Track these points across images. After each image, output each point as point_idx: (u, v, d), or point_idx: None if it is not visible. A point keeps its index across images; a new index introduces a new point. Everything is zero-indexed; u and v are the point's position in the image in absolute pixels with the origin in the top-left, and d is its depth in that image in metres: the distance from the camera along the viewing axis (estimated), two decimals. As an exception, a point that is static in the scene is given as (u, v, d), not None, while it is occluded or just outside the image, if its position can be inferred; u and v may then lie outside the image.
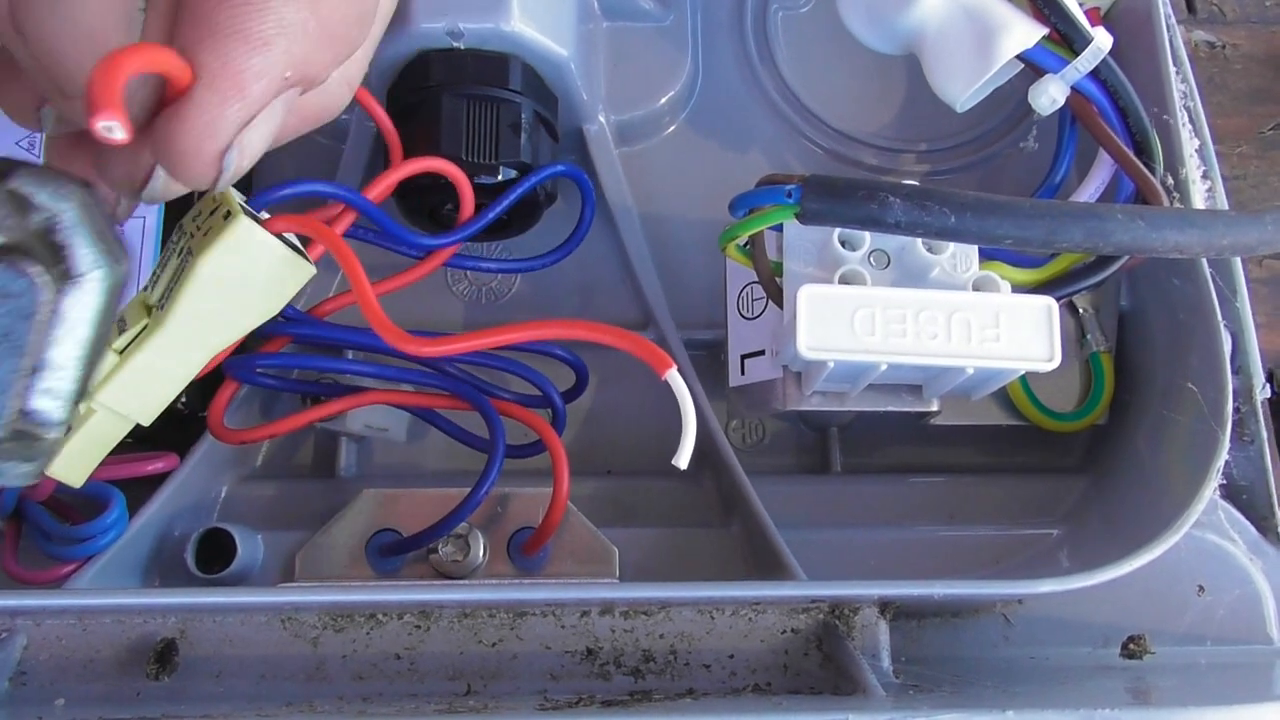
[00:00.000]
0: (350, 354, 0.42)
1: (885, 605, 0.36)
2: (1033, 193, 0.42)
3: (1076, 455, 0.45)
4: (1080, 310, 0.43)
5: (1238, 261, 0.40)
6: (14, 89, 0.28)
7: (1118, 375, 0.43)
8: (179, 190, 0.27)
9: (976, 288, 0.37)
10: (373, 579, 0.38)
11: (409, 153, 0.41)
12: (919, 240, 0.37)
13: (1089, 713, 0.30)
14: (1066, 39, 0.39)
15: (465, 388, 0.39)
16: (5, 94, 0.28)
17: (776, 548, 0.39)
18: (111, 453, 0.32)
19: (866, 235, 0.38)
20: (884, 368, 0.36)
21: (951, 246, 0.37)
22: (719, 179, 0.46)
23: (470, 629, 0.35)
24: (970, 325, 0.35)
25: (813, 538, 0.41)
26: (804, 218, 0.35)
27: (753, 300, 0.41)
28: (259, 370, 0.38)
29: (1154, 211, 0.35)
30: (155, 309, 0.31)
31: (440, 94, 0.41)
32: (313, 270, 0.32)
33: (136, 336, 0.31)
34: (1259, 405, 0.41)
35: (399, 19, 0.40)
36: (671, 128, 0.49)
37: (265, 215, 0.32)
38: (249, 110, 0.25)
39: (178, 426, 0.39)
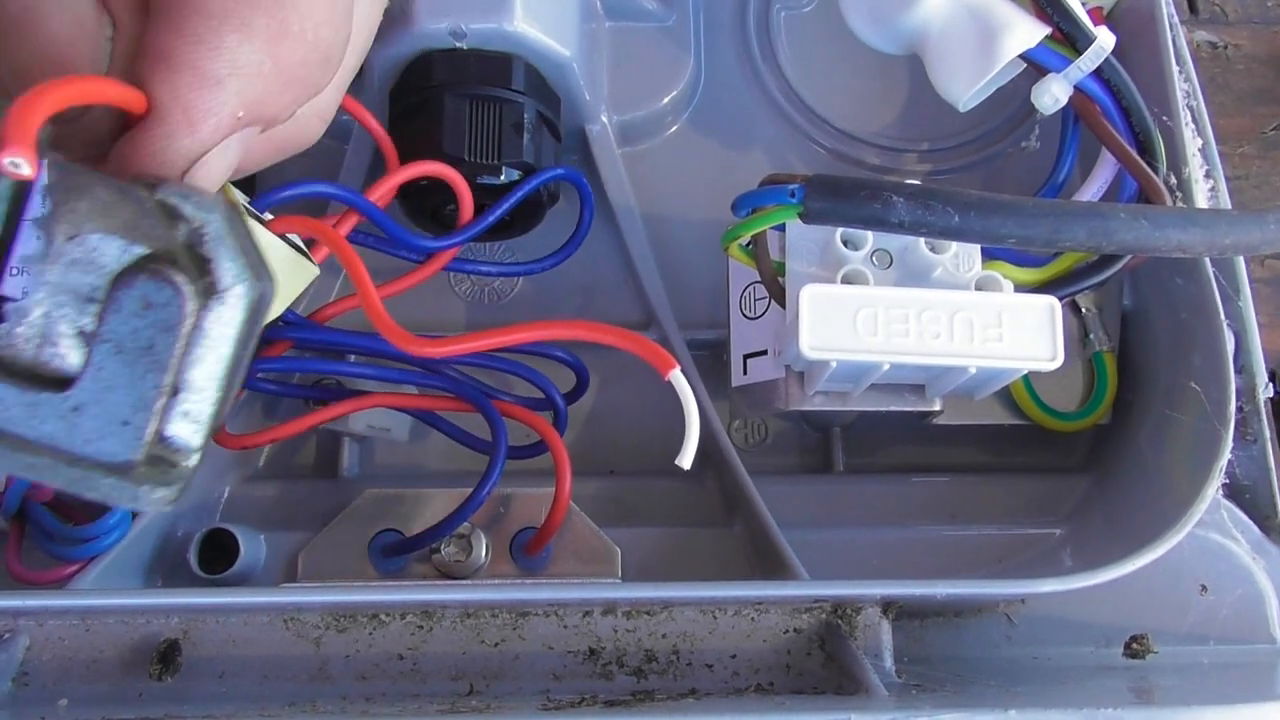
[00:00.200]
0: (352, 357, 0.42)
1: (888, 605, 0.36)
2: (1035, 192, 0.42)
3: (1079, 455, 0.45)
4: (1083, 310, 0.43)
5: (1240, 261, 0.40)
6: None
7: (1121, 375, 0.43)
8: None
9: (979, 287, 0.37)
10: (375, 579, 0.38)
11: (412, 153, 0.41)
12: (922, 240, 0.37)
13: (1092, 712, 0.30)
14: (1069, 38, 0.39)
15: (467, 389, 0.39)
16: None
17: (779, 547, 0.39)
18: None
19: (869, 235, 0.37)
20: (886, 367, 0.35)
21: (954, 246, 0.37)
22: (721, 179, 0.46)
23: (473, 629, 0.35)
24: (973, 325, 0.35)
25: (815, 537, 0.41)
26: (807, 217, 0.35)
27: (755, 300, 0.41)
28: (260, 375, 0.38)
29: (1157, 211, 0.35)
30: None
31: (443, 94, 0.41)
32: (317, 271, 0.32)
33: None
34: (1262, 404, 0.41)
35: (401, 19, 0.40)
36: (674, 128, 0.49)
37: (269, 216, 0.32)
38: (198, 146, 0.25)
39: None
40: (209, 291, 0.24)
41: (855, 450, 0.45)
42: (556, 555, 0.39)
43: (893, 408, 0.39)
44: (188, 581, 0.39)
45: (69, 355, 0.23)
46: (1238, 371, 0.39)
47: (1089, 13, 0.39)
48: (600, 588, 0.37)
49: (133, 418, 0.23)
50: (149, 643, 0.35)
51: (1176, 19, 0.43)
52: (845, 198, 0.34)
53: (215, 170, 0.26)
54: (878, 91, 0.49)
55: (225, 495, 0.42)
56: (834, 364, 0.35)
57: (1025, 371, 0.37)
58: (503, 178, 0.41)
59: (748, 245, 0.39)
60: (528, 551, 0.38)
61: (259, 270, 0.24)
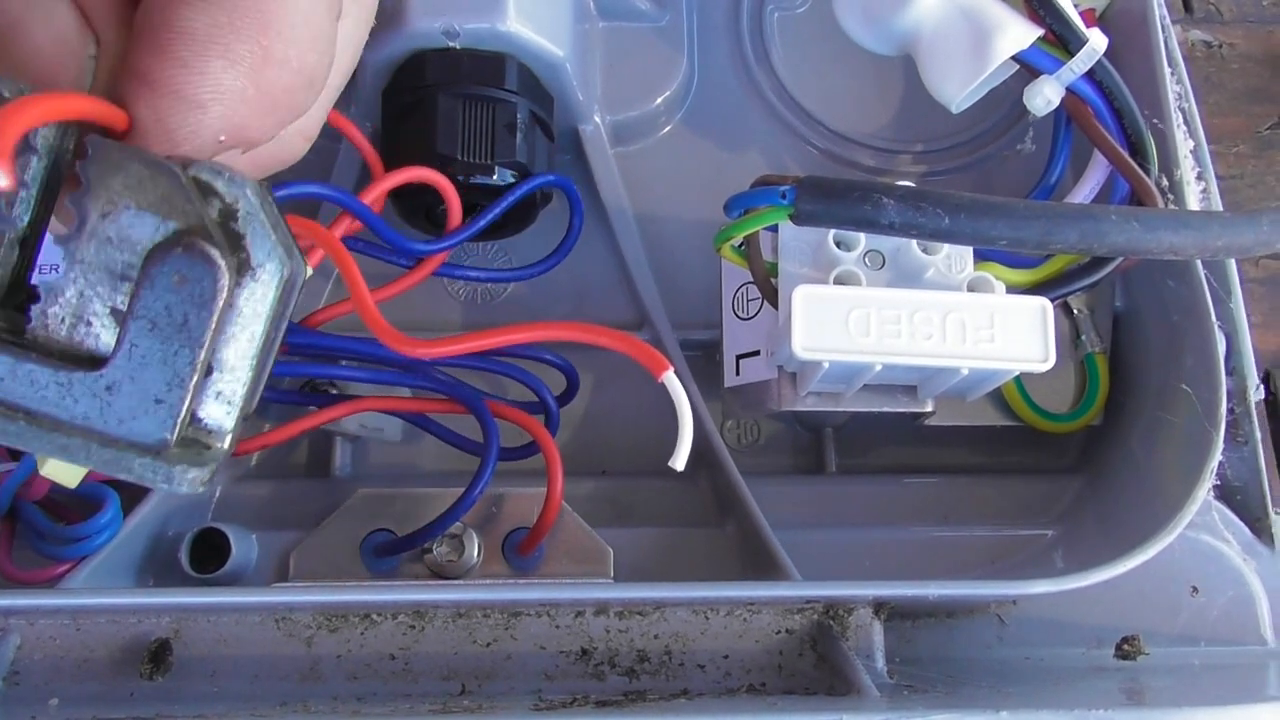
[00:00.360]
0: (344, 361, 0.42)
1: (880, 606, 0.36)
2: (1028, 194, 0.42)
3: (1071, 456, 0.45)
4: (1075, 311, 0.43)
5: (1232, 262, 0.40)
6: None
7: (1112, 376, 0.43)
8: None
9: (971, 288, 0.37)
10: (367, 579, 0.38)
11: (405, 153, 0.41)
12: (914, 241, 0.37)
13: (1083, 713, 0.30)
14: (1062, 40, 0.39)
15: (459, 390, 0.39)
16: None
17: (771, 548, 0.39)
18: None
19: (861, 236, 0.38)
20: (879, 368, 0.36)
21: (946, 247, 0.37)
22: (714, 179, 0.46)
23: (465, 629, 0.35)
24: (965, 326, 0.35)
25: (808, 538, 0.41)
26: (799, 219, 0.35)
27: (748, 301, 0.41)
28: None
29: (1149, 213, 0.35)
30: None
31: (436, 94, 0.41)
32: (309, 272, 0.32)
33: None
34: (1253, 406, 0.41)
35: (394, 19, 0.40)
36: (667, 128, 0.49)
37: None
38: None
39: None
40: (242, 269, 0.24)
41: (847, 451, 0.45)
42: (549, 555, 0.39)
43: (885, 409, 0.39)
44: (179, 581, 0.39)
45: (102, 334, 0.23)
46: (1229, 373, 0.39)
47: (1081, 15, 0.39)
48: (593, 588, 0.37)
49: (167, 395, 0.23)
50: (140, 642, 0.35)
51: (1169, 21, 0.43)
52: (836, 199, 0.34)
53: None
54: (871, 93, 0.49)
55: (217, 494, 0.42)
56: (826, 365, 0.35)
57: (1017, 373, 0.38)
58: (496, 178, 0.41)
59: (740, 246, 0.39)
60: (520, 551, 0.38)
61: (291, 249, 0.24)
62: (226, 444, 0.25)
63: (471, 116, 0.41)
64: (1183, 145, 0.41)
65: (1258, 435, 0.41)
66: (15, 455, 0.39)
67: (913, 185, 0.36)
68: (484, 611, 0.35)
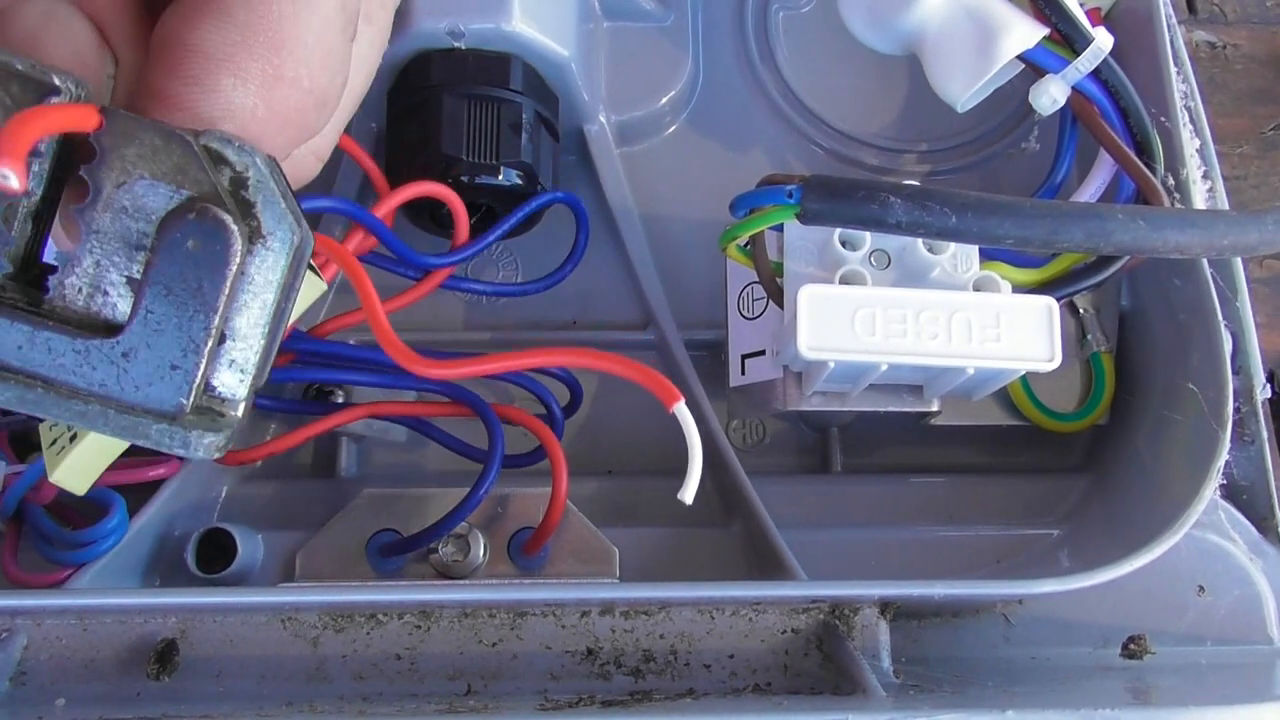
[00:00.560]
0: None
1: (885, 605, 0.36)
2: (1033, 193, 0.42)
3: (1077, 455, 0.45)
4: (1081, 310, 0.43)
5: (1238, 261, 0.40)
6: None
7: (1118, 375, 0.43)
8: None
9: (977, 288, 0.37)
10: (373, 579, 0.38)
11: (410, 154, 0.41)
12: (920, 240, 0.37)
13: (1089, 713, 0.30)
14: (1067, 39, 0.39)
15: (464, 393, 0.39)
16: None
17: (777, 548, 0.39)
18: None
19: (867, 235, 0.38)
20: (884, 368, 0.36)
21: (952, 247, 0.37)
22: (720, 179, 0.46)
23: (470, 629, 0.35)
24: (971, 325, 0.35)
25: (813, 538, 0.41)
26: (804, 218, 0.35)
27: (753, 300, 0.41)
28: None
29: (1155, 212, 0.35)
30: None
31: (441, 94, 0.41)
32: (324, 287, 0.33)
33: None
34: (1259, 405, 0.41)
35: (400, 19, 0.40)
36: (672, 128, 0.49)
37: None
38: None
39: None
40: (253, 236, 0.24)
41: (853, 450, 0.45)
42: (554, 555, 0.39)
43: (891, 408, 0.39)
44: (185, 581, 0.39)
45: (119, 303, 0.23)
46: (1235, 372, 0.39)
47: (1087, 14, 0.39)
48: (598, 588, 0.37)
49: (182, 361, 0.23)
50: (146, 642, 0.35)
51: (1175, 20, 0.43)
52: (842, 198, 0.34)
53: None
54: (876, 92, 0.49)
55: (223, 495, 0.42)
56: (832, 364, 0.35)
57: (1023, 372, 0.37)
58: (501, 178, 0.41)
59: (746, 245, 0.39)
60: (525, 551, 0.38)
61: (300, 218, 0.24)
62: (240, 412, 0.25)
63: (476, 117, 0.41)
64: (1188, 144, 0.41)
65: (1264, 434, 0.41)
66: (23, 458, 0.39)
67: (918, 184, 0.36)
68: (490, 611, 0.35)
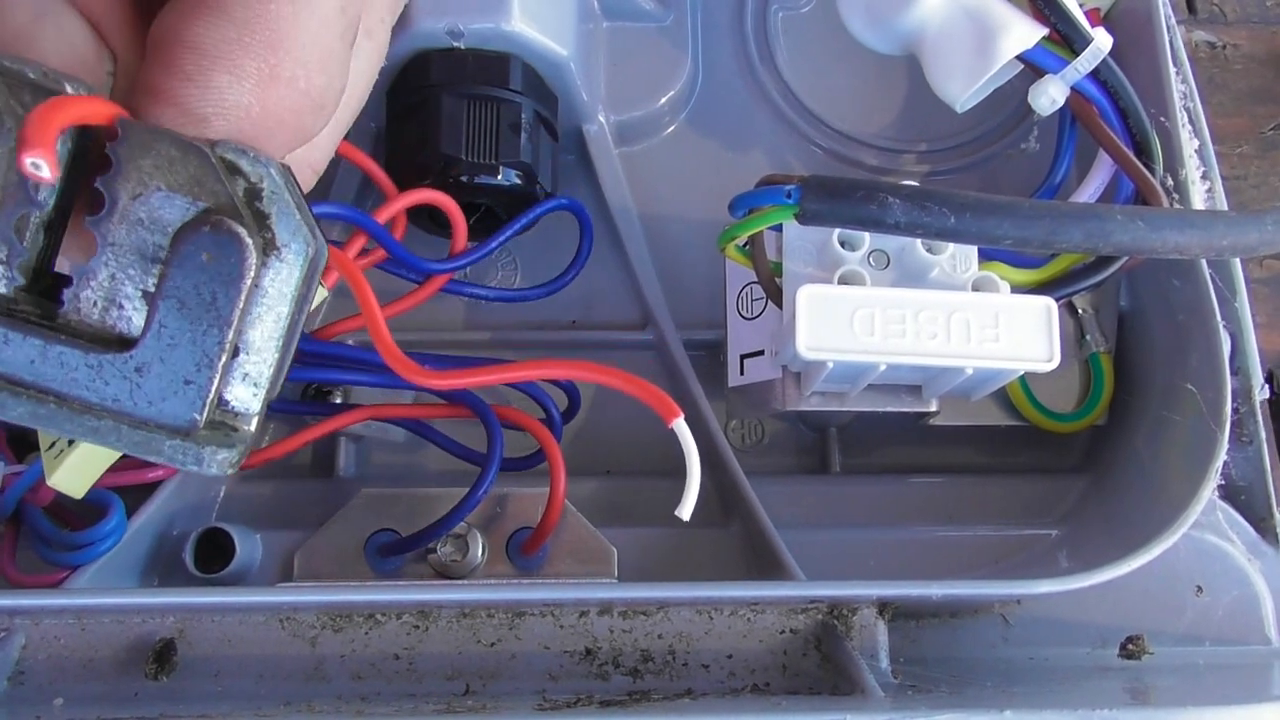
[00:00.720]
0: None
1: (884, 605, 0.36)
2: (1032, 193, 0.42)
3: (1075, 456, 0.45)
4: (1080, 311, 0.43)
5: (1237, 262, 0.40)
6: None
7: (1117, 376, 0.43)
8: None
9: (976, 288, 0.37)
10: (371, 579, 0.38)
11: (409, 153, 0.41)
12: (919, 241, 0.37)
13: (1087, 713, 0.30)
14: (1066, 39, 0.39)
15: (463, 394, 0.39)
16: None
17: (775, 548, 0.39)
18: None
19: (866, 236, 0.38)
20: (883, 368, 0.36)
21: (951, 247, 0.37)
22: (719, 179, 0.46)
23: (469, 629, 0.35)
24: (969, 326, 0.35)
25: (811, 538, 0.41)
26: (803, 218, 0.35)
27: (752, 300, 0.41)
28: None
29: (1154, 212, 0.35)
30: None
31: (440, 94, 0.41)
32: (325, 293, 0.33)
33: None
34: (1258, 406, 0.41)
35: (399, 18, 0.40)
36: (671, 128, 0.49)
37: None
38: None
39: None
40: (268, 248, 0.24)
41: (852, 451, 0.45)
42: (553, 555, 0.39)
43: (889, 408, 0.39)
44: (183, 581, 0.39)
45: (134, 317, 0.23)
46: (1234, 373, 0.39)
47: (1086, 14, 0.39)
48: (597, 588, 0.37)
49: (196, 376, 0.23)
50: (145, 642, 0.35)
51: (1174, 20, 0.43)
52: (841, 199, 0.34)
53: None
54: (875, 92, 0.49)
55: (221, 494, 0.42)
56: (831, 364, 0.35)
57: (1022, 372, 0.37)
58: (500, 178, 0.41)
59: (745, 246, 0.39)
60: (524, 551, 0.38)
61: (314, 229, 0.24)
62: (253, 426, 0.25)
63: (476, 117, 0.41)
64: (1188, 144, 0.41)
65: (1262, 435, 0.41)
66: (21, 458, 0.39)
67: (917, 185, 0.36)
68: (488, 611, 0.35)
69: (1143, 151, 0.39)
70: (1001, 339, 0.35)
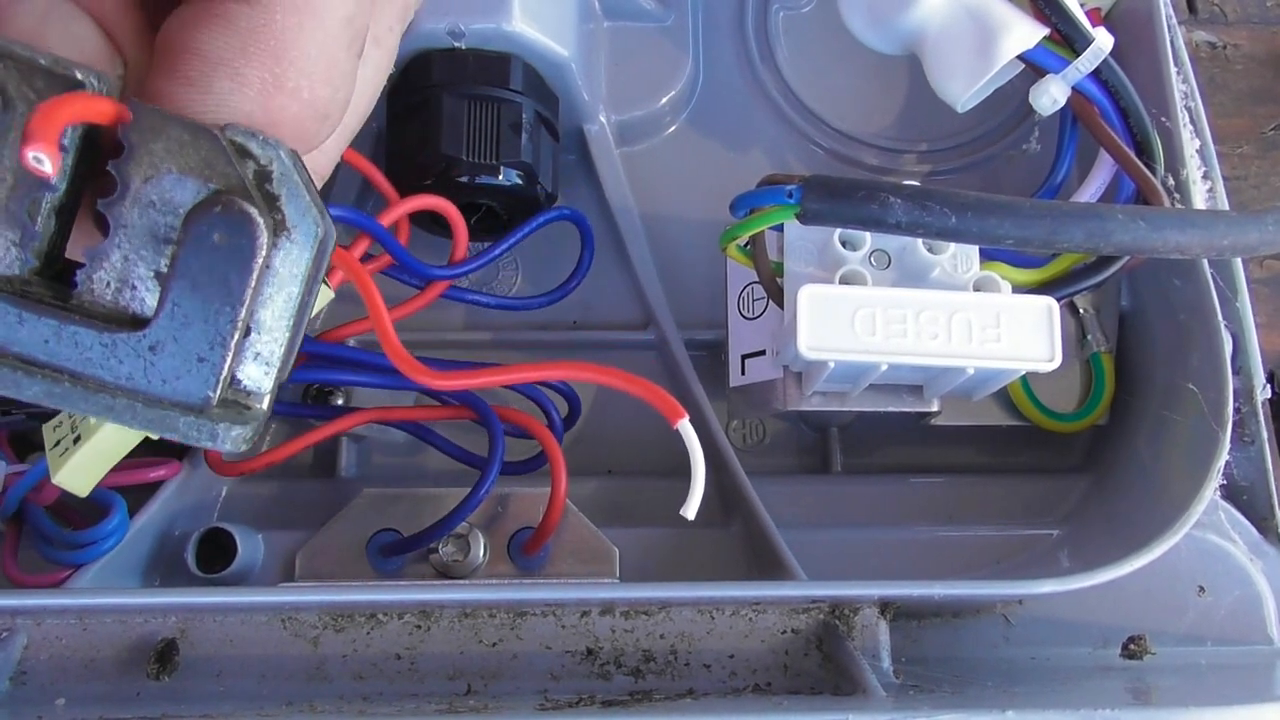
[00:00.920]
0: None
1: (885, 605, 0.36)
2: (1033, 193, 0.42)
3: (1077, 455, 0.45)
4: (1081, 310, 0.43)
5: (1238, 262, 0.40)
6: None
7: (1118, 375, 0.43)
8: None
9: (977, 288, 0.37)
10: (373, 579, 0.38)
11: (410, 154, 0.41)
12: (920, 241, 0.37)
13: (1089, 713, 0.30)
14: (1067, 39, 0.39)
15: (465, 395, 0.39)
16: None
17: (776, 548, 0.39)
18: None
19: (867, 235, 0.38)
20: (884, 368, 0.36)
21: (952, 247, 0.37)
22: (720, 179, 0.46)
23: (470, 629, 0.35)
24: (971, 325, 0.35)
25: (813, 538, 0.41)
26: (804, 218, 0.35)
27: (753, 300, 0.41)
28: None
29: (1155, 212, 0.35)
30: None
31: (441, 94, 0.41)
32: (331, 295, 0.33)
33: None
34: (1259, 405, 0.41)
35: (400, 19, 0.40)
36: (672, 128, 0.49)
37: None
38: None
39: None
40: (278, 229, 0.24)
41: (853, 451, 0.45)
42: (554, 555, 0.39)
43: (891, 408, 0.39)
44: (185, 581, 0.39)
45: (147, 298, 0.23)
46: (1235, 373, 0.39)
47: (1087, 14, 0.39)
48: (598, 588, 0.37)
49: (209, 354, 0.23)
50: (146, 642, 0.35)
51: (1175, 20, 0.43)
52: (843, 198, 0.34)
53: None
54: (876, 92, 0.49)
55: (223, 494, 0.42)
56: (832, 364, 0.35)
57: (1023, 372, 0.37)
58: (501, 178, 0.41)
59: (746, 245, 0.39)
60: (526, 551, 0.38)
61: (323, 211, 0.24)
62: (265, 405, 0.25)
63: (477, 117, 0.41)
64: (1189, 144, 0.41)
65: (1264, 435, 0.41)
66: (23, 458, 0.39)
67: (918, 185, 0.36)
68: (490, 611, 0.35)
69: (1144, 151, 0.39)
70: (1003, 339, 0.35)
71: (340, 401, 0.42)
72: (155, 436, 0.29)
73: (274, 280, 0.24)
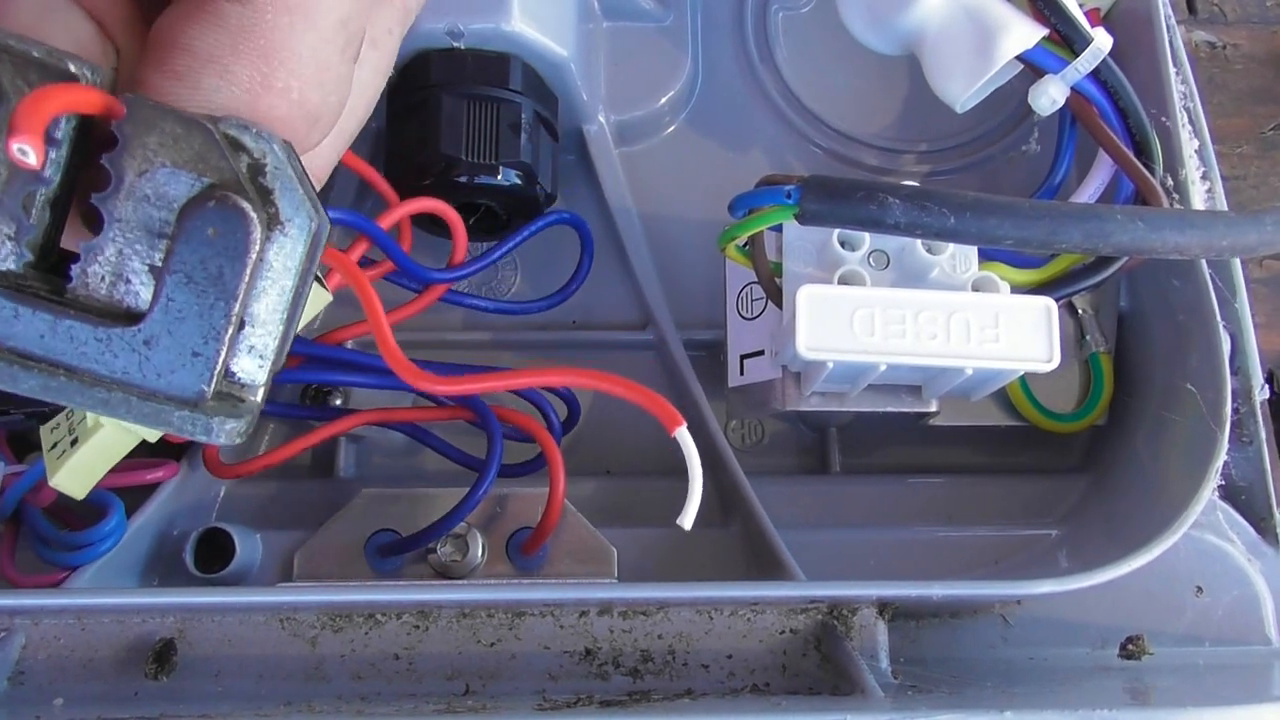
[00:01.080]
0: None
1: (884, 606, 0.36)
2: (1033, 193, 0.42)
3: (1075, 456, 0.45)
4: (1079, 311, 0.43)
5: (1237, 262, 0.40)
6: None
7: (1117, 376, 0.43)
8: None
9: (976, 288, 0.37)
10: (371, 579, 0.38)
11: (408, 154, 0.41)
12: (919, 241, 0.37)
13: (1087, 713, 0.30)
14: (1066, 40, 0.39)
15: (463, 396, 0.39)
16: None
17: (775, 548, 0.39)
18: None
19: (866, 236, 0.38)
20: (883, 368, 0.36)
21: (951, 247, 0.37)
22: (719, 179, 0.46)
23: (469, 629, 0.35)
24: (969, 326, 0.35)
25: (811, 538, 0.41)
26: (803, 218, 0.35)
27: (752, 300, 0.41)
28: None
29: (1153, 212, 0.35)
30: None
31: (440, 94, 0.41)
32: (329, 298, 0.33)
33: None
34: (1258, 406, 0.41)
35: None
36: (671, 128, 0.49)
37: None
38: None
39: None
40: (271, 223, 0.24)
41: (852, 451, 0.45)
42: (553, 555, 0.39)
43: (889, 408, 0.39)
44: (183, 581, 0.39)
45: (142, 292, 0.24)
46: (1234, 373, 0.39)
47: (1086, 14, 0.39)
48: (596, 588, 0.37)
49: (203, 348, 0.24)
50: (145, 642, 0.35)
51: (1174, 20, 0.43)
52: (841, 199, 0.34)
53: None
54: (875, 92, 0.49)
55: (221, 494, 0.42)
56: (831, 364, 0.35)
57: (1022, 372, 0.37)
58: (500, 178, 0.41)
59: (745, 246, 0.39)
60: (524, 551, 0.38)
61: (316, 204, 0.24)
62: (259, 397, 0.25)
63: (476, 117, 0.41)
64: (1188, 145, 0.41)
65: (1262, 435, 0.41)
66: (21, 458, 0.39)
67: (917, 185, 0.36)
68: (488, 611, 0.35)
69: (1143, 152, 0.39)
70: (1001, 339, 0.35)
71: (338, 403, 0.42)
72: (150, 432, 0.29)
73: (268, 274, 0.24)
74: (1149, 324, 0.42)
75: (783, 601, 0.36)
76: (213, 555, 0.39)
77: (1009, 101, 0.47)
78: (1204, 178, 0.41)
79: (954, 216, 0.33)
